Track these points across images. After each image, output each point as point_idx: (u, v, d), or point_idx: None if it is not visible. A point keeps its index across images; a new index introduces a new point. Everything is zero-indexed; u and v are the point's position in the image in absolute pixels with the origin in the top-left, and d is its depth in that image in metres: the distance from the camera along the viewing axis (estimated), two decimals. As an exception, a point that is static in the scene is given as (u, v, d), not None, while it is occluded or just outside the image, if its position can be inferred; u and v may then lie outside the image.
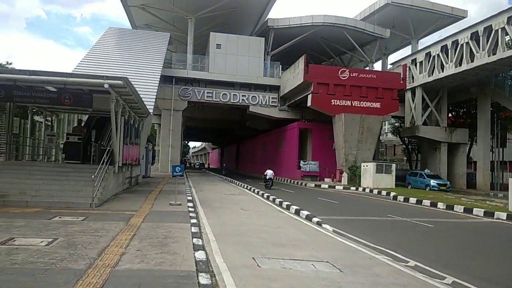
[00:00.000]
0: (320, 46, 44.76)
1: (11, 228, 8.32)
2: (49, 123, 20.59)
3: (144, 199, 14.80)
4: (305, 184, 32.88)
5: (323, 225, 11.46)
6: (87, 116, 21.68)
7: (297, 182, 34.73)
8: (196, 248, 7.35)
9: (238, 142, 73.10)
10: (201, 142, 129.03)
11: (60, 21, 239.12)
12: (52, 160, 18.65)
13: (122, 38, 36.28)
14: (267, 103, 40.60)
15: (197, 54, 42.43)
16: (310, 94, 33.60)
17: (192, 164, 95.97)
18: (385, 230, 12.30)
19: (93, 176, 12.32)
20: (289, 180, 36.64)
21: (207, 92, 39.77)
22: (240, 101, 40.32)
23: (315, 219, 12.17)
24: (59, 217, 10.00)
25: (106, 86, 12.23)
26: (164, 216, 11.15)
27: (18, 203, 11.78)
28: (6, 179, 12.96)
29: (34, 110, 17.92)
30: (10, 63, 34.51)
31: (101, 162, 13.51)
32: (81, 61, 28.28)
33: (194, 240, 8.08)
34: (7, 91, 13.00)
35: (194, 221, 10.60)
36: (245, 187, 26.21)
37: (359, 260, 7.54)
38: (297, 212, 13.85)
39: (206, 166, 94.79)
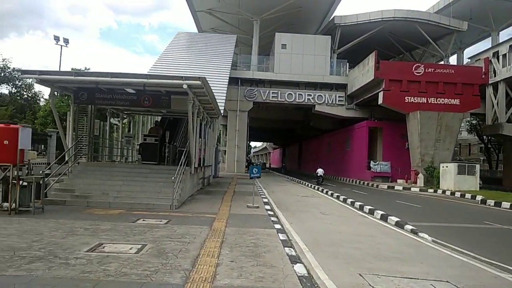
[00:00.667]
0: (389, 42, 42.35)
1: (98, 232, 8.04)
2: (125, 125, 20.96)
3: (220, 201, 14.32)
4: (377, 186, 31.05)
5: (420, 234, 10.15)
6: (159, 117, 21.88)
7: (367, 183, 32.95)
8: (292, 260, 6.53)
9: (300, 142, 71.89)
10: (262, 142, 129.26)
11: (130, 30, 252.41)
12: (129, 161, 18.91)
13: (191, 42, 36.77)
14: (334, 102, 39.16)
15: (261, 55, 42.03)
16: (382, 92, 31.71)
17: (254, 164, 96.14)
18: (490, 241, 10.69)
19: (173, 178, 12.00)
20: (357, 181, 34.92)
21: (272, 93, 39.20)
22: (306, 101, 39.28)
23: (408, 227, 10.88)
24: (143, 220, 9.69)
25: (184, 86, 11.86)
26: (245, 220, 10.49)
27: (101, 204, 11.74)
28: (89, 180, 13.06)
29: (113, 112, 18.25)
30: (88, 69, 36.21)
31: (180, 163, 13.21)
32: (153, 65, 28.87)
33: (287, 249, 7.28)
34: (90, 94, 13.11)
35: (278, 226, 9.83)
36: (315, 188, 25.12)
37: (483, 280, 6.31)
38: (383, 218, 12.60)
39: (267, 165, 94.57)
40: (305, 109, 44.33)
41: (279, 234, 8.76)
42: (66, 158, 14.00)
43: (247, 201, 14.23)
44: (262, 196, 16.47)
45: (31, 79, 11.31)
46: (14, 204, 9.62)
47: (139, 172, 13.90)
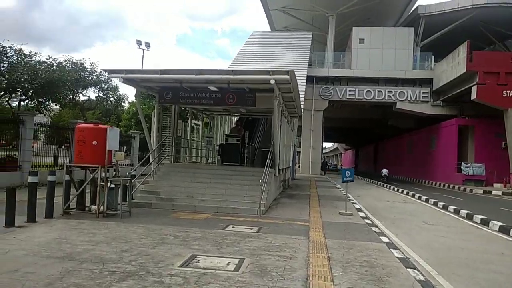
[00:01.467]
0: (479, 31, 38.13)
1: (189, 240, 7.28)
2: (205, 126, 20.63)
3: (307, 206, 13.15)
4: (470, 190, 27.81)
5: None
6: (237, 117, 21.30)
7: (458, 188, 29.71)
8: (425, 288, 5.18)
9: (376, 142, 68.30)
10: (332, 143, 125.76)
11: (204, 35, 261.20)
12: (210, 162, 18.48)
13: (267, 40, 36.13)
14: (417, 99, 36.13)
15: (336, 51, 40.19)
16: (475, 86, 28.42)
17: (330, 165, 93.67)
18: None
19: (260, 180, 11.07)
20: (446, 185, 31.69)
21: (349, 90, 37.17)
22: (386, 98, 36.72)
23: (544, 244, 8.88)
24: (232, 227, 8.83)
25: (272, 81, 10.88)
26: (343, 230, 9.22)
27: (187, 207, 11.16)
28: (174, 182, 12.61)
29: (192, 113, 17.93)
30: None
31: (265, 165, 12.29)
32: (229, 66, 28.52)
33: (411, 271, 5.92)
34: (174, 93, 12.66)
35: (385, 239, 8.43)
36: (402, 192, 22.96)
37: None
38: (503, 230, 10.57)
39: (339, 167, 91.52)
40: (384, 107, 41.52)
41: (391, 250, 7.38)
42: (151, 160, 13.73)
43: (337, 207, 12.93)
44: (352, 202, 15.00)
45: (118, 78, 10.96)
46: (102, 207, 9.27)
47: (223, 174, 13.19)
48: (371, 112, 47.57)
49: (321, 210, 12.27)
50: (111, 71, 11.65)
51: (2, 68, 14.68)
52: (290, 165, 21.56)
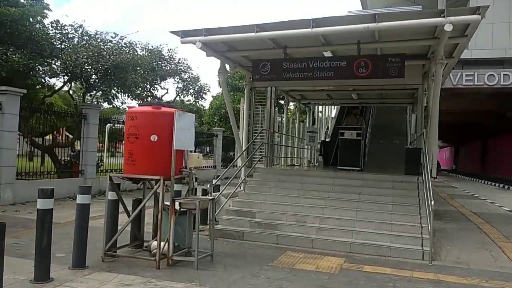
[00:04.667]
0: None
1: None
2: (302, 117, 16.16)
3: (485, 236, 8.09)
4: None
5: None
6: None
7: None
8: None
9: (484, 139, 58.34)
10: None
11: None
12: (315, 165, 14.04)
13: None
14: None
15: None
16: None
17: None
18: None
19: (419, 199, 6.35)
20: None
21: (466, 75, 30.09)
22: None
23: None
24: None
25: (448, 28, 6.06)
26: None
27: (299, 241, 6.87)
28: (274, 197, 8.35)
29: (292, 100, 13.68)
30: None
31: (421, 172, 7.60)
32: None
33: None
34: (275, 65, 8.36)
35: None
36: None
37: None
38: None
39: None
40: (504, 95, 33.61)
41: None
42: (239, 163, 9.73)
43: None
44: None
45: (195, 44, 6.93)
46: (166, 247, 5.31)
47: (345, 184, 8.64)
48: (485, 103, 39.08)
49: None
50: (185, 33, 7.74)
51: (61, 51, 11.66)
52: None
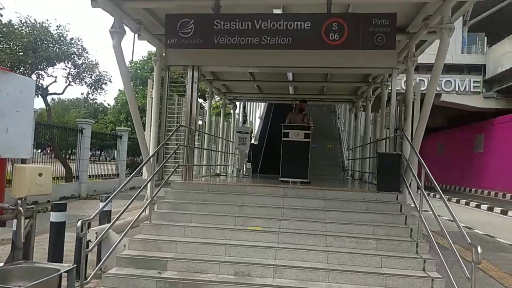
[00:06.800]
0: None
1: None
2: (223, 116, 13.20)
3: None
4: None
5: None
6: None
7: None
8: None
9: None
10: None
11: None
12: (244, 174, 11.14)
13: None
14: (467, 89, 29.14)
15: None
16: None
17: None
18: None
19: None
20: (507, 195, 24.49)
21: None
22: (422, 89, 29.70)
23: None
24: None
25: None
26: None
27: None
28: (197, 232, 5.32)
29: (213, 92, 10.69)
30: None
31: (403, 186, 5.17)
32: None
33: None
34: (203, 23, 5.33)
35: None
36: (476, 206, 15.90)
37: None
38: None
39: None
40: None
41: None
42: (145, 175, 6.52)
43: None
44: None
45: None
46: None
47: (301, 207, 5.90)
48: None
49: None
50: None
51: None
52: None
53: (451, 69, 29.80)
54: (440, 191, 4.58)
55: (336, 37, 4.93)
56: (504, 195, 24.67)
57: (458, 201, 20.13)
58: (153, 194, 5.85)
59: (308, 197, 6.09)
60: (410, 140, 6.07)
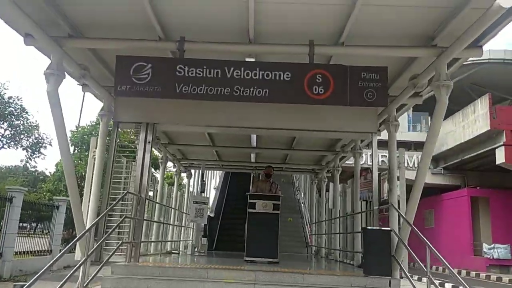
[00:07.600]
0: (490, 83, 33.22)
1: None
2: (177, 184, 11.95)
3: None
4: (498, 279, 20.70)
5: None
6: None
7: (478, 275, 22.49)
8: None
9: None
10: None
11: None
12: (200, 252, 9.64)
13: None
14: (415, 165, 30.19)
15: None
16: (502, 147, 22.87)
17: None
18: None
19: None
20: (460, 272, 24.14)
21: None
22: (380, 164, 30.35)
23: None
24: None
25: (507, 4, 3.24)
26: None
27: None
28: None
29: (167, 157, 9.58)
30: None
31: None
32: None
33: None
34: (163, 68, 4.49)
35: None
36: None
37: None
38: None
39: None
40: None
41: None
42: (77, 255, 5.12)
43: None
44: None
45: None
46: None
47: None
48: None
49: None
50: None
51: None
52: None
53: (399, 145, 30.84)
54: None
55: (321, 91, 4.27)
56: (459, 272, 24.34)
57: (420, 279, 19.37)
58: (86, 282, 4.44)
59: (284, 283, 4.94)
60: (403, 214, 5.30)
